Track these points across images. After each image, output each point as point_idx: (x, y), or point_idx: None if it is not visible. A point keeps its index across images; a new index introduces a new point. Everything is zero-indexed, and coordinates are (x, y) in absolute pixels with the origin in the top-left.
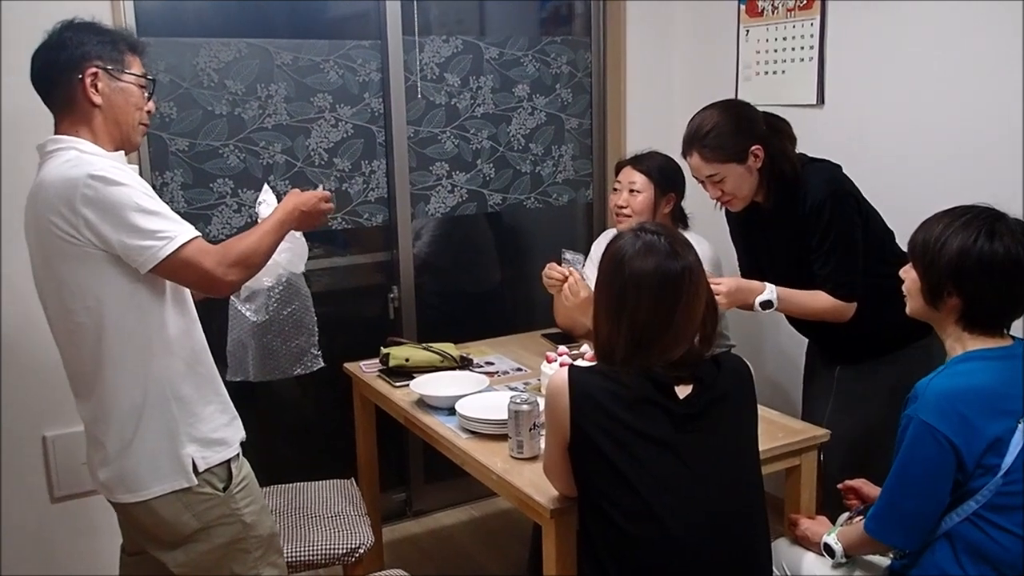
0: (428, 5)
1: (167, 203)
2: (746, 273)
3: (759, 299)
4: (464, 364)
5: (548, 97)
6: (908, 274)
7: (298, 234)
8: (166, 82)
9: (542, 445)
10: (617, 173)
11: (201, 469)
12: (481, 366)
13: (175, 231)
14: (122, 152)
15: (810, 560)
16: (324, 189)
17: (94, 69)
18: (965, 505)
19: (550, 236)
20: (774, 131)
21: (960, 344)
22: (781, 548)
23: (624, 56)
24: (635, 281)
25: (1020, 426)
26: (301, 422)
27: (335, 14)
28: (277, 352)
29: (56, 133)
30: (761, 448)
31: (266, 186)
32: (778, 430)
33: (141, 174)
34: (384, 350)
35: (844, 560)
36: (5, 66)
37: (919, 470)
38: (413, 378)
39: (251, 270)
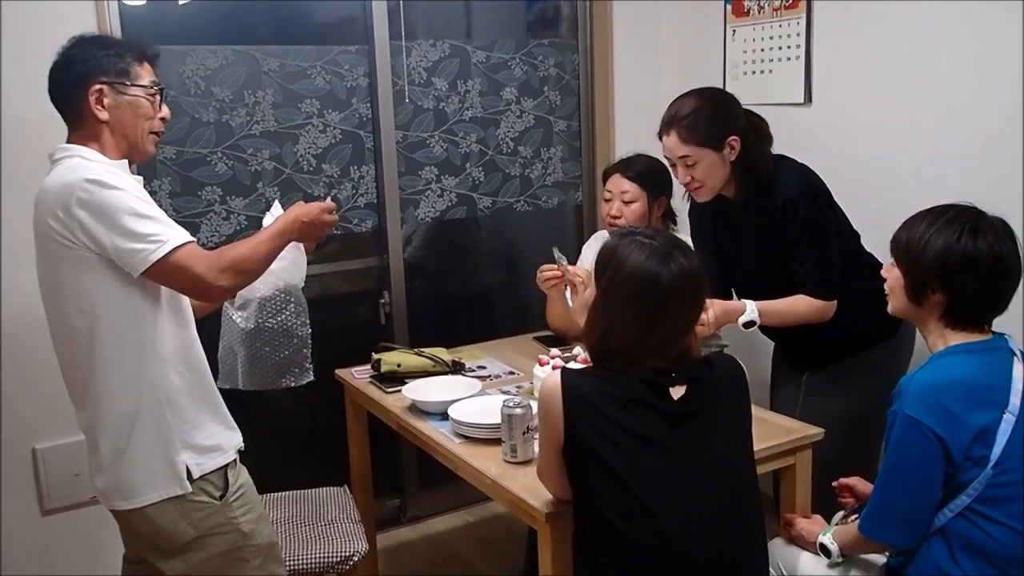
0: (414, 9)
1: None
2: (714, 277)
3: (741, 320)
4: (456, 368)
5: (536, 100)
6: (891, 272)
7: (300, 247)
8: None
9: (536, 449)
10: (605, 181)
11: (196, 476)
12: (473, 370)
13: (168, 235)
14: (126, 161)
15: (806, 560)
16: (330, 199)
17: (99, 85)
18: (957, 500)
19: (540, 239)
20: (753, 128)
21: (942, 340)
22: (777, 548)
23: (611, 57)
24: (632, 284)
25: (1005, 416)
26: (293, 430)
27: (321, 20)
28: (265, 361)
29: (67, 142)
30: (755, 448)
31: (276, 202)
32: (772, 429)
33: None
34: (376, 356)
35: (840, 559)
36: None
37: (908, 465)
38: (405, 383)
39: (244, 277)
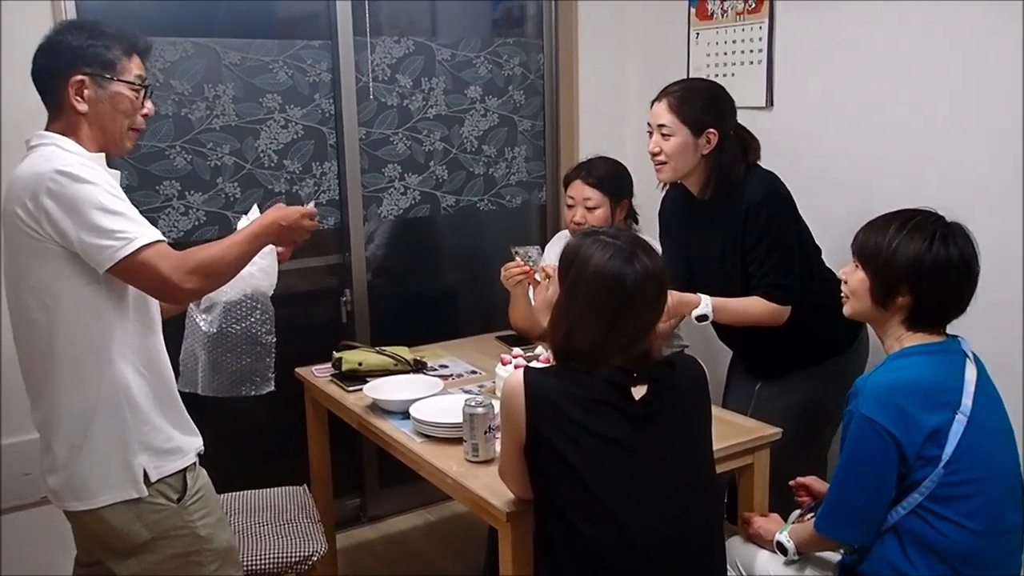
0: (379, 5)
1: None
2: (680, 277)
3: (695, 313)
4: (418, 367)
5: (501, 99)
6: (853, 275)
7: (273, 254)
8: None
9: (497, 448)
10: (566, 187)
11: (153, 479)
12: (435, 369)
13: (136, 233)
14: (103, 154)
15: (763, 558)
16: (312, 204)
17: (80, 77)
18: (910, 498)
19: (504, 238)
20: (740, 138)
21: (899, 342)
22: (735, 546)
23: (576, 58)
24: (595, 283)
25: (957, 417)
26: (252, 428)
27: (284, 14)
28: (226, 368)
29: (46, 129)
30: (715, 447)
31: (255, 207)
32: (731, 429)
33: None
34: (337, 354)
35: (796, 557)
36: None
37: (863, 464)
38: (366, 382)
39: (212, 279)
